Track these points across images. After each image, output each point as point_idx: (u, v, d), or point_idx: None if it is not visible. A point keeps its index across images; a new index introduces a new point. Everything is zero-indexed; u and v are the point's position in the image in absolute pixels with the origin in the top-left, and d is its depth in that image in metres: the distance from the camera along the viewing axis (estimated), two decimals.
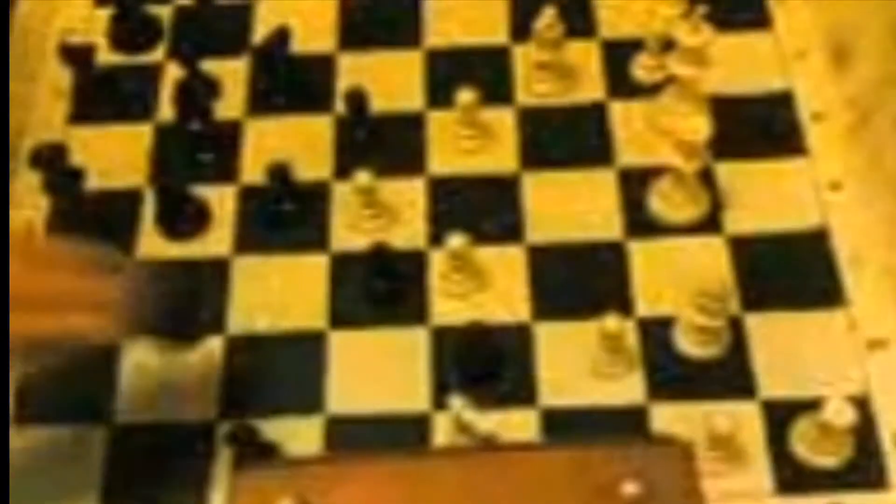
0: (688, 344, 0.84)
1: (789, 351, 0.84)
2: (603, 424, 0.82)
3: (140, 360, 0.85)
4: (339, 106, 0.97)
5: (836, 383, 0.82)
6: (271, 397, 0.84)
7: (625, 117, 0.97)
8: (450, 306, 0.88)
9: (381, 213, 0.91)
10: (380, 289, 0.88)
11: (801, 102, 0.97)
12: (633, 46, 0.99)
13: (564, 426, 0.82)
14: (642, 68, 0.99)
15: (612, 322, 0.81)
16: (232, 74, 1.01)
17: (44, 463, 0.82)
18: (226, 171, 0.95)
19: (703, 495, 0.68)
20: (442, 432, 0.82)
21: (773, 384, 0.83)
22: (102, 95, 1.00)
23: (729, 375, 0.84)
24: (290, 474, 0.71)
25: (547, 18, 0.95)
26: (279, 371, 0.85)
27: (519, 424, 0.82)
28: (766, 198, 0.92)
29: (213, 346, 0.86)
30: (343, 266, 0.90)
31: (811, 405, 0.79)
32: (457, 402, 0.79)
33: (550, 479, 0.70)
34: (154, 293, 0.72)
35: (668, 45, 0.95)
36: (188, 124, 0.97)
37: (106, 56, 1.02)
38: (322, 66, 1.01)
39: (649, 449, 0.72)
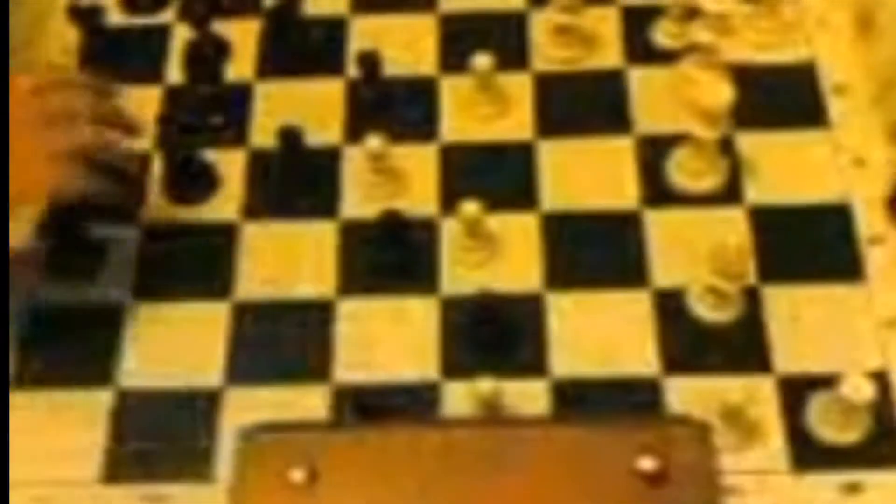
0: (702, 307, 0.83)
1: (806, 325, 0.83)
2: (616, 397, 0.80)
3: (145, 325, 0.85)
4: (352, 69, 0.96)
5: (854, 359, 0.80)
6: (278, 365, 0.83)
7: (644, 84, 0.95)
8: (461, 275, 0.86)
9: (393, 180, 0.90)
10: (390, 256, 0.87)
11: (824, 73, 0.95)
12: (652, 12, 0.97)
13: (576, 398, 0.80)
14: (664, 34, 0.97)
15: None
16: (243, 36, 0.99)
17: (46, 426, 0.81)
18: (235, 134, 0.94)
19: (720, 472, 0.68)
20: (451, 402, 0.80)
21: (790, 359, 0.81)
22: (111, 57, 0.98)
23: (744, 349, 0.82)
24: (300, 443, 0.71)
25: None
26: (286, 338, 0.84)
27: (530, 395, 0.80)
28: (786, 169, 0.90)
29: (221, 311, 0.85)
30: (353, 233, 0.89)
31: (828, 381, 0.78)
32: (486, 383, 0.77)
33: (563, 454, 0.69)
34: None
35: (691, 12, 0.93)
36: (198, 87, 0.96)
37: (115, 17, 1.01)
38: (334, 29, 0.99)
39: (665, 425, 0.71)
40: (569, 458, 0.69)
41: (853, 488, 0.76)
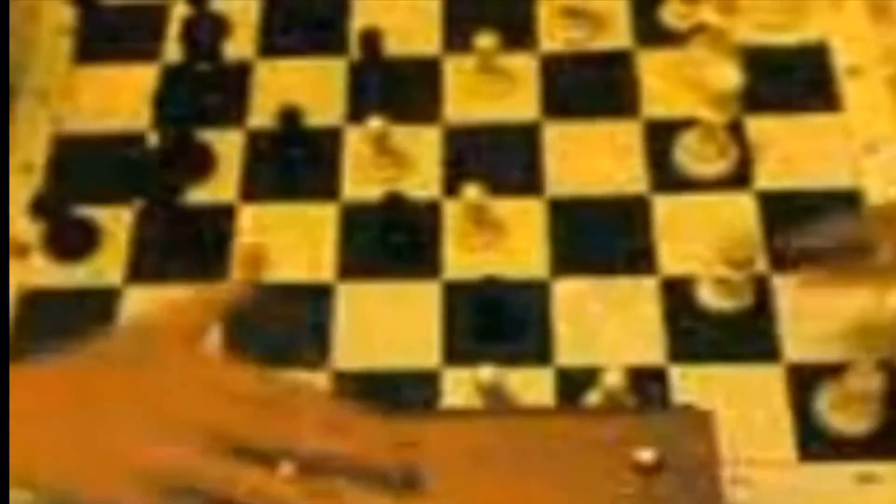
0: (710, 296, 0.81)
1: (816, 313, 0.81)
2: None
3: (140, 307, 0.83)
4: (353, 48, 0.94)
5: (863, 348, 0.79)
6: (275, 350, 0.81)
7: (652, 67, 0.93)
8: (464, 260, 0.85)
9: (395, 161, 0.88)
10: (392, 240, 0.85)
11: (837, 55, 0.93)
12: None
13: (581, 387, 0.79)
14: (673, 15, 0.95)
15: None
16: (241, 13, 0.97)
17: None
18: (233, 114, 0.92)
19: (721, 465, 0.66)
20: (452, 390, 0.79)
21: (799, 347, 0.80)
22: (107, 34, 0.97)
23: (753, 338, 0.81)
24: None
25: None
26: (283, 323, 0.82)
27: (533, 384, 0.79)
28: (797, 154, 0.88)
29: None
30: (354, 216, 0.87)
31: (837, 369, 0.76)
32: (487, 371, 0.75)
33: (561, 445, 0.68)
34: None
35: None
36: (195, 65, 0.94)
37: None
38: (335, 6, 0.97)
39: (666, 416, 0.69)
40: (570, 448, 0.68)
41: (866, 479, 0.75)
